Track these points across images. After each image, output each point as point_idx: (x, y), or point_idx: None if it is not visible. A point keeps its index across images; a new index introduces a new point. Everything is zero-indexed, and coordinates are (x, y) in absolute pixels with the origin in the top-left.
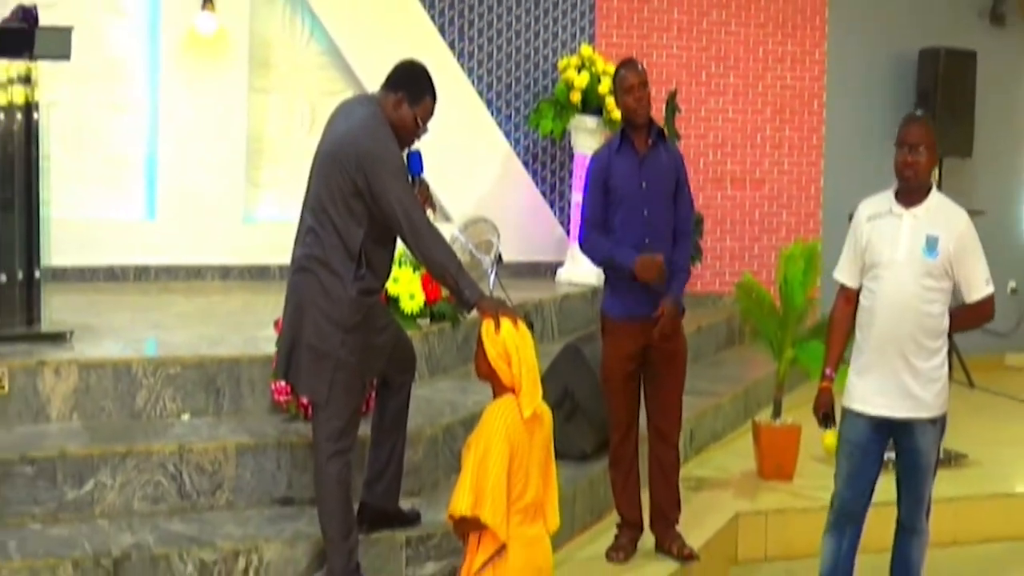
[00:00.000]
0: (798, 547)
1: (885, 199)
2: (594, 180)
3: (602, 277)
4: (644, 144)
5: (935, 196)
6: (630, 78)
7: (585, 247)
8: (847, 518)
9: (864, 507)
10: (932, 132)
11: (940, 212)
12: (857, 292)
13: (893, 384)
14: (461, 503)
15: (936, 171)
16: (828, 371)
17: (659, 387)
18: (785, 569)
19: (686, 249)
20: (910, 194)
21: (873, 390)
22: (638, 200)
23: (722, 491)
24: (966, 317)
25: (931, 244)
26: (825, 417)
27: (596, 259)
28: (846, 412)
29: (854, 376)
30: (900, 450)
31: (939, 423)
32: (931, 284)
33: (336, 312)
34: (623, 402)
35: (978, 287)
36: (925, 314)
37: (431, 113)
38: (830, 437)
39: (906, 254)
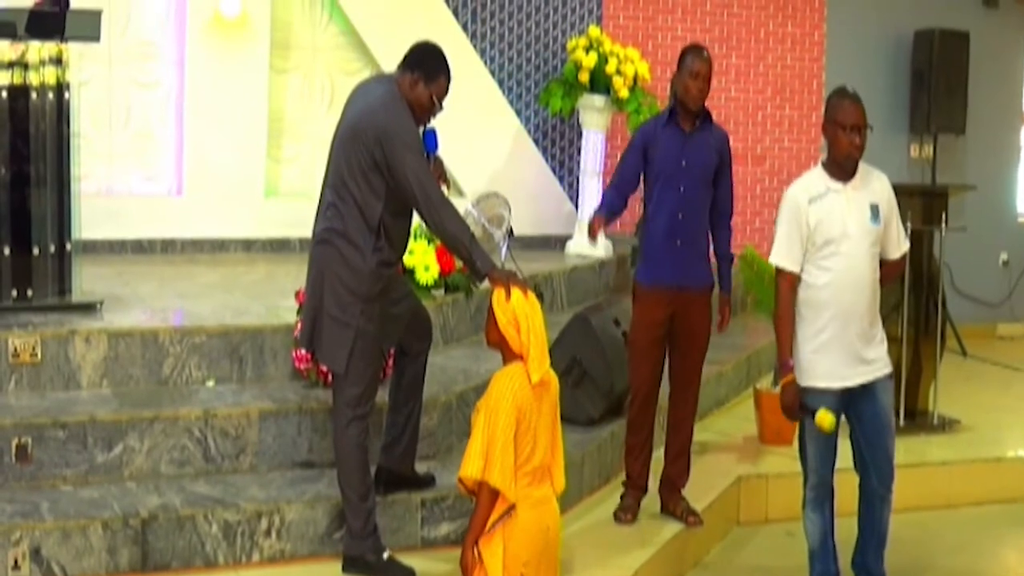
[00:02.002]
0: (798, 509)
1: (818, 179)
2: (635, 144)
3: (610, 250)
4: (691, 125)
5: (862, 166)
6: (697, 65)
7: (602, 197)
8: (826, 492)
9: (834, 473)
10: (865, 109)
11: (871, 180)
12: (798, 277)
13: (853, 354)
14: (471, 468)
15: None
16: (791, 362)
17: (682, 358)
18: (785, 530)
19: (728, 235)
20: (846, 170)
21: (838, 363)
22: (676, 177)
23: (725, 455)
24: (890, 272)
25: (875, 212)
26: (802, 408)
27: (600, 203)
28: (810, 392)
29: (812, 355)
30: (863, 418)
31: (893, 379)
32: (876, 251)
33: (356, 283)
34: (647, 368)
35: (901, 244)
36: (876, 281)
37: (446, 92)
38: (828, 416)
39: (857, 227)
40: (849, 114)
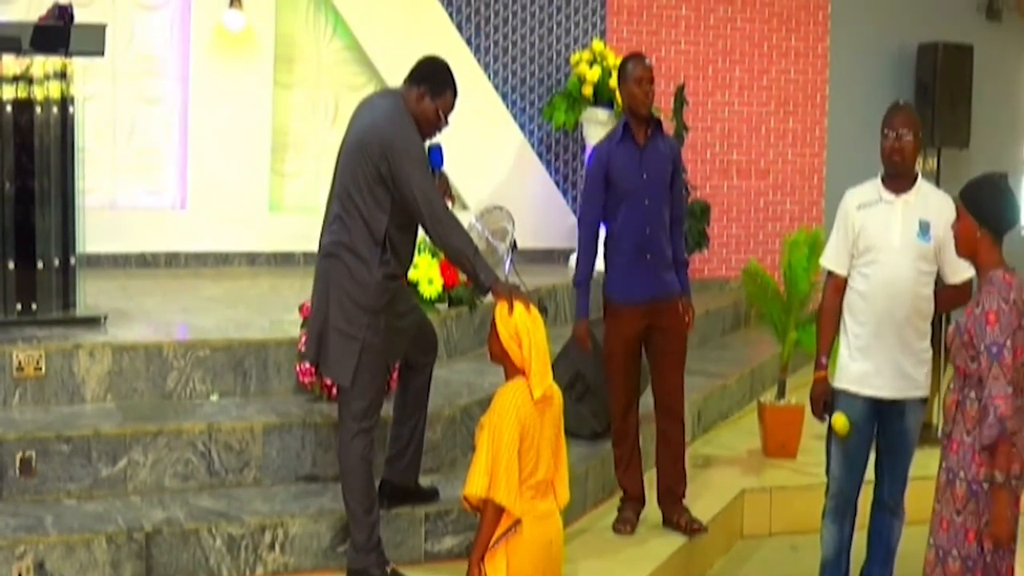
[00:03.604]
0: (801, 522)
1: (872, 188)
2: (593, 175)
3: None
4: (644, 135)
5: (921, 182)
6: (640, 71)
7: (578, 241)
8: (846, 503)
9: (859, 489)
10: (917, 119)
11: (929, 198)
12: (845, 280)
13: (890, 366)
14: (476, 486)
15: (922, 158)
16: (824, 360)
17: (663, 366)
18: (789, 543)
19: (682, 240)
20: (898, 180)
21: (871, 372)
22: (640, 191)
23: (728, 468)
24: (950, 298)
25: (924, 229)
26: (825, 406)
27: (576, 262)
28: (840, 394)
29: (848, 359)
30: (888, 431)
31: (926, 403)
32: (925, 268)
33: (362, 296)
34: (625, 380)
35: (963, 269)
36: (920, 297)
37: (452, 107)
38: (841, 419)
39: (901, 240)
40: (891, 118)
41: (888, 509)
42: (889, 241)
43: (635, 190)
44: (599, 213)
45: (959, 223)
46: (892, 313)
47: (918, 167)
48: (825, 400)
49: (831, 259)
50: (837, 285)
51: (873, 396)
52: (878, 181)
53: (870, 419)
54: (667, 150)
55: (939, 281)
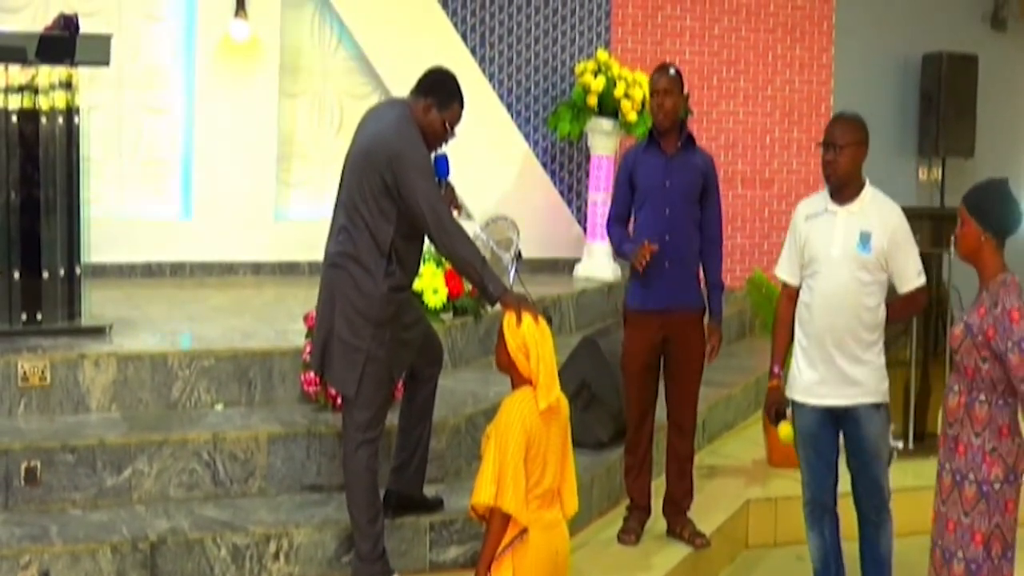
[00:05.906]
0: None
1: (821, 198)
2: (620, 176)
3: (618, 273)
4: (673, 147)
5: (869, 192)
6: (655, 83)
7: (609, 236)
8: (820, 508)
9: (832, 494)
10: (856, 130)
11: (873, 207)
12: (797, 290)
13: (834, 374)
14: (483, 494)
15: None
16: (776, 369)
17: (677, 380)
18: (794, 554)
19: (718, 263)
20: (840, 191)
21: (816, 381)
22: (661, 198)
23: (733, 478)
24: (901, 308)
25: (864, 240)
26: (777, 414)
27: (612, 246)
28: (794, 404)
29: (796, 369)
30: (849, 440)
31: (883, 410)
32: (866, 278)
33: (367, 307)
34: (640, 391)
35: (910, 279)
36: (862, 307)
37: (459, 119)
38: (785, 429)
39: (841, 250)
40: (826, 132)
41: (870, 522)
42: (829, 253)
43: (656, 196)
44: (624, 213)
45: (962, 228)
46: (833, 324)
47: (865, 178)
48: (777, 409)
49: (783, 269)
50: (790, 295)
51: (820, 405)
52: (826, 191)
53: (826, 427)
54: (700, 164)
55: (893, 291)
